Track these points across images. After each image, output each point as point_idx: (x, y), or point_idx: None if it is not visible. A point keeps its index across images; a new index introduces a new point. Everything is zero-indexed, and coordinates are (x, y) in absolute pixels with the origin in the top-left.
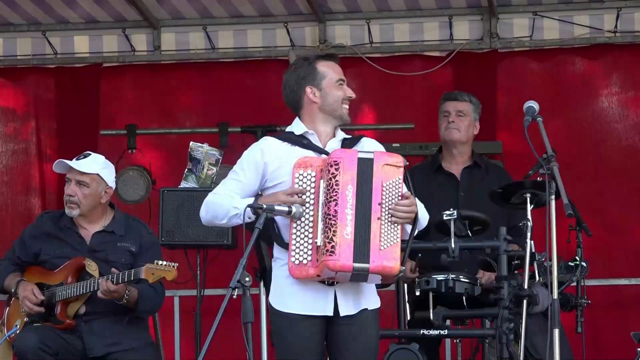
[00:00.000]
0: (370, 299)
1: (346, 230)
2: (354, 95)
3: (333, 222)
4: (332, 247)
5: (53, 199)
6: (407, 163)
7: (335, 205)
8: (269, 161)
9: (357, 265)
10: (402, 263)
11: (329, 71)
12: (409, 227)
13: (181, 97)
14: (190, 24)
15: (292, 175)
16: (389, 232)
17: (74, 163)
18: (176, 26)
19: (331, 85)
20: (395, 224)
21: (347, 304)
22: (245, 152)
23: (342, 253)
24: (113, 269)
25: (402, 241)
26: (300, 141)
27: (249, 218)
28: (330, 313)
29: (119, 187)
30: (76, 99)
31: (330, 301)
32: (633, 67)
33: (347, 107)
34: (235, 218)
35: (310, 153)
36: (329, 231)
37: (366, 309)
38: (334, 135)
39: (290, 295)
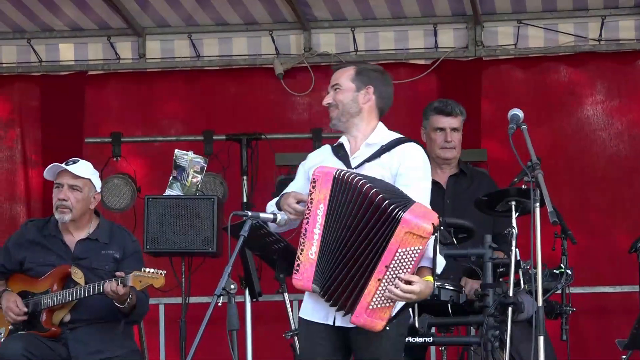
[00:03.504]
0: None
1: (311, 250)
2: (325, 102)
3: (302, 240)
4: (298, 265)
5: (38, 206)
6: (439, 230)
7: (307, 223)
8: (312, 167)
9: (315, 287)
10: (390, 321)
11: None
12: None
13: (166, 105)
14: (175, 32)
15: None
16: (383, 296)
17: (69, 166)
18: (161, 34)
19: None
20: None
21: (347, 316)
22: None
23: (304, 273)
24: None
25: None
26: (336, 150)
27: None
28: (331, 322)
29: (104, 195)
30: (61, 107)
31: (331, 311)
32: (617, 75)
33: (330, 112)
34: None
35: (338, 162)
36: (298, 249)
37: None
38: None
39: (305, 300)
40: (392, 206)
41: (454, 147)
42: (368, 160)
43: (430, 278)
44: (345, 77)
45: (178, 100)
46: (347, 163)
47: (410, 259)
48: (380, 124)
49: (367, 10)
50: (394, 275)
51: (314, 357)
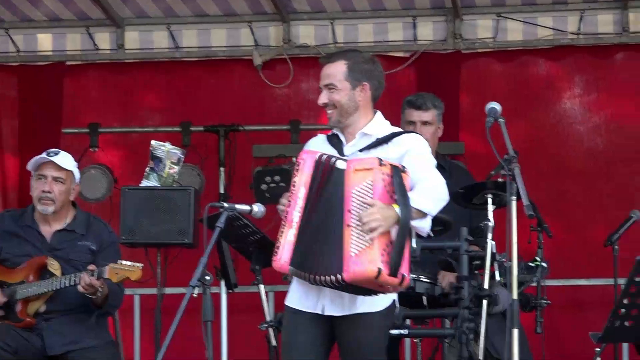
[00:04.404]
0: (367, 302)
1: (290, 233)
2: (320, 102)
3: (284, 223)
4: (277, 247)
5: (14, 197)
6: (385, 163)
7: (289, 206)
8: None
9: (292, 269)
10: (394, 272)
11: None
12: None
13: (144, 96)
14: (154, 23)
15: None
16: (359, 238)
17: (53, 158)
18: (140, 25)
19: None
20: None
21: (335, 304)
22: None
23: (282, 255)
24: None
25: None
26: (332, 139)
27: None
28: (320, 311)
29: (81, 186)
30: (39, 97)
31: (320, 299)
32: (596, 69)
33: (328, 112)
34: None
35: (332, 150)
36: (279, 232)
37: (363, 313)
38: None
39: (293, 288)
40: (336, 159)
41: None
42: (362, 150)
43: (395, 205)
44: (339, 76)
45: (156, 92)
46: (340, 151)
47: (367, 193)
48: (379, 114)
49: (346, 3)
50: (358, 213)
51: (295, 345)
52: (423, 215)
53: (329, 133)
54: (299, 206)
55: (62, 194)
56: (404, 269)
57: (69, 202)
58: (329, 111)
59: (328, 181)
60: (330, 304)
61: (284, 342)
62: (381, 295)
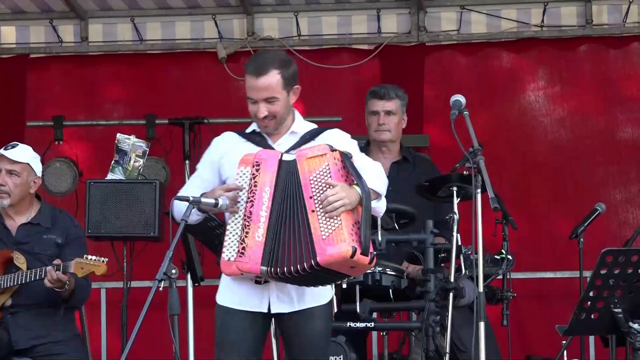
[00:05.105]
0: (314, 297)
1: (258, 233)
2: (262, 116)
3: (247, 223)
4: (243, 248)
5: None
6: (335, 149)
7: (251, 206)
8: (222, 156)
9: (264, 268)
10: (365, 251)
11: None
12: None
13: (108, 89)
14: (118, 15)
15: (235, 172)
16: (327, 220)
17: (5, 152)
18: (104, 17)
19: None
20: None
21: (282, 302)
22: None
23: (251, 255)
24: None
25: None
26: (253, 137)
27: (197, 215)
28: (265, 310)
29: (46, 179)
30: (2, 90)
31: (265, 298)
32: (559, 62)
33: (265, 122)
34: (193, 215)
35: (255, 148)
36: (242, 232)
37: (313, 307)
38: (289, 129)
39: (228, 289)
40: (282, 154)
41: (389, 130)
42: (294, 147)
43: (355, 186)
44: (277, 87)
45: (121, 84)
46: (268, 148)
47: (325, 177)
48: (297, 111)
49: None
50: (320, 199)
51: (238, 345)
52: (377, 195)
53: (247, 130)
54: (265, 206)
55: (17, 186)
56: (371, 248)
57: (30, 196)
58: (267, 121)
59: (282, 176)
60: (278, 302)
61: (222, 341)
62: (327, 287)
